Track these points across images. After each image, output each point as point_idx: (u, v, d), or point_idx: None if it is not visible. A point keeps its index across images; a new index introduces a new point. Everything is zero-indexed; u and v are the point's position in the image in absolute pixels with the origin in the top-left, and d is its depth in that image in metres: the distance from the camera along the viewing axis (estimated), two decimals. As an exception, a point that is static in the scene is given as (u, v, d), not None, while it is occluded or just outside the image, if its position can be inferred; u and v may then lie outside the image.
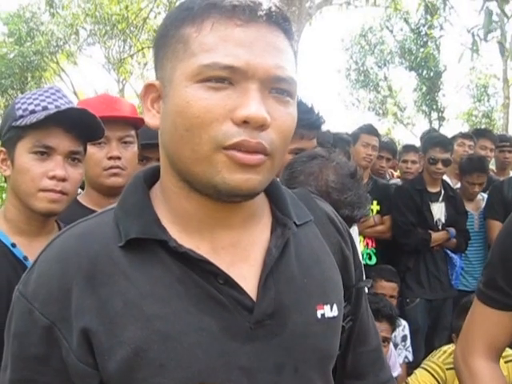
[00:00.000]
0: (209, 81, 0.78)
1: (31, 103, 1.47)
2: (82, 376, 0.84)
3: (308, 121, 2.09)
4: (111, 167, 1.87)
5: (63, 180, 1.45)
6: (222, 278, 0.85)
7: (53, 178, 1.43)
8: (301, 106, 2.03)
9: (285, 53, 0.83)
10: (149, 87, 0.87)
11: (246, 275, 0.88)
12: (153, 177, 0.94)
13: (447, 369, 2.49)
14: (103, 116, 1.62)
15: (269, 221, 0.95)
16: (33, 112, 1.44)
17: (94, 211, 1.69)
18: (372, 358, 1.14)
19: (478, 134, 4.96)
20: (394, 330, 3.12)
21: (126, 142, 1.91)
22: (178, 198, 0.88)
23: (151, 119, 0.88)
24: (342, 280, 1.00)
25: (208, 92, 0.78)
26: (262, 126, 0.78)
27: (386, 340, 3.00)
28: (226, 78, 0.78)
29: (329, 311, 0.93)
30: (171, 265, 0.85)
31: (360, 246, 3.75)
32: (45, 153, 1.44)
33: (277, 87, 0.81)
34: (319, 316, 0.92)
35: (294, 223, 0.95)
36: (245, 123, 0.78)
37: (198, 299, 0.84)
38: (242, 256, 0.89)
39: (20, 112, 1.46)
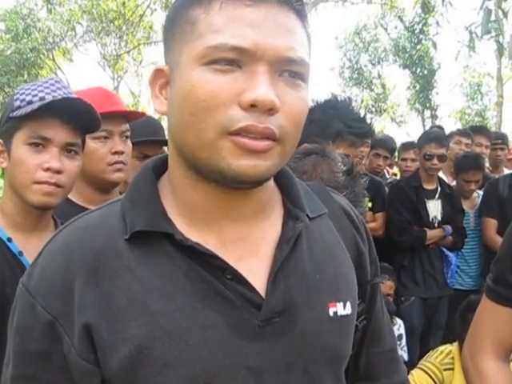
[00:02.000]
0: (216, 63, 0.75)
1: (29, 94, 1.44)
2: (84, 373, 0.81)
3: (361, 130, 2.14)
4: (116, 162, 1.85)
5: (58, 172, 1.42)
6: (230, 272, 0.82)
7: (47, 170, 1.41)
8: (354, 115, 2.16)
9: (296, 34, 0.79)
10: (157, 72, 0.84)
11: (255, 270, 0.84)
12: (162, 167, 0.91)
13: (444, 369, 2.47)
14: (106, 111, 1.61)
15: (280, 214, 0.91)
16: (30, 103, 1.42)
17: (84, 208, 1.68)
18: (387, 359, 1.10)
19: (473, 130, 4.94)
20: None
21: (126, 137, 1.91)
22: (185, 188, 0.84)
23: (159, 106, 0.85)
24: (356, 276, 0.96)
25: (215, 75, 0.75)
26: (270, 110, 0.75)
27: None
28: (233, 60, 0.75)
29: (342, 309, 0.89)
30: (177, 259, 0.81)
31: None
32: (40, 144, 1.41)
33: (287, 69, 0.77)
34: (331, 314, 0.88)
35: (307, 216, 0.91)
36: (252, 107, 0.74)
37: (205, 295, 0.80)
38: (251, 250, 0.86)
39: (18, 103, 1.43)
